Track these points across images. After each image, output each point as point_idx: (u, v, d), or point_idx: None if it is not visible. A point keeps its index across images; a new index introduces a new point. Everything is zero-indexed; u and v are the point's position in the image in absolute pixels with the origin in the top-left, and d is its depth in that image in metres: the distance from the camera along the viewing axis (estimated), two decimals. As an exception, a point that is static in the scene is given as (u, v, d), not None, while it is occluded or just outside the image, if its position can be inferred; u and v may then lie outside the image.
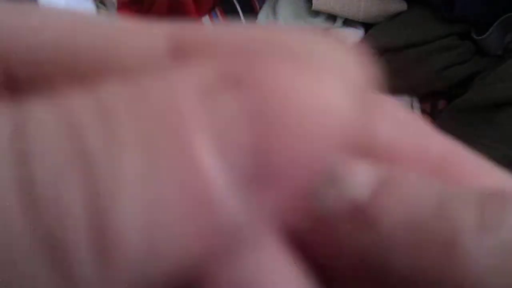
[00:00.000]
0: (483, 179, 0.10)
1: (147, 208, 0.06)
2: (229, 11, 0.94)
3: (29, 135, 0.06)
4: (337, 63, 0.08)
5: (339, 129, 0.07)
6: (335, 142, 0.07)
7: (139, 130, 0.06)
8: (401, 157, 0.10)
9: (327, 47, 0.08)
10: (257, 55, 0.07)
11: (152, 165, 0.06)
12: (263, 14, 0.94)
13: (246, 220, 0.07)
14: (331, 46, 0.08)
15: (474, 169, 0.10)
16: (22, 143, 0.06)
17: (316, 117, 0.07)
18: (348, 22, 0.92)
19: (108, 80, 0.07)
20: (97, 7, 0.97)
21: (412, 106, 0.88)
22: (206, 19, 0.94)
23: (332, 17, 0.90)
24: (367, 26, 0.93)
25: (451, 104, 0.76)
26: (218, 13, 0.95)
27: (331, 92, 0.07)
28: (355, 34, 0.91)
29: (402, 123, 0.10)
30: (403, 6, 0.91)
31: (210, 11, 0.95)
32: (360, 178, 0.09)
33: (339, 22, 0.91)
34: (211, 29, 0.09)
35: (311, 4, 0.87)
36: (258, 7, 0.95)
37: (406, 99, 0.87)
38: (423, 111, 0.87)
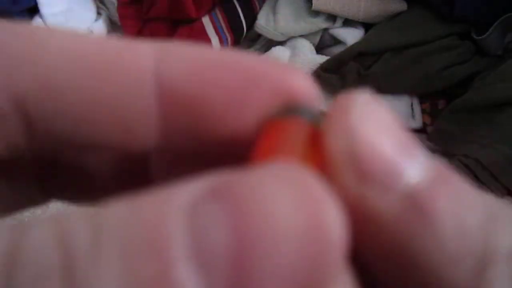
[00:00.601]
0: None
1: None
2: (229, 11, 0.94)
3: (23, 255, 0.07)
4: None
5: (326, 248, 0.07)
6: (321, 261, 0.07)
7: (124, 247, 0.07)
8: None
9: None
10: (243, 168, 0.08)
11: (131, 280, 0.06)
12: (263, 14, 0.94)
13: None
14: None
15: None
16: (14, 261, 0.07)
17: (296, 242, 0.07)
18: (348, 22, 0.92)
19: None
20: (97, 7, 0.97)
21: (412, 106, 0.88)
22: (206, 19, 0.94)
23: (332, 17, 0.90)
24: (367, 26, 0.93)
25: (451, 104, 0.76)
26: (218, 13, 0.95)
27: (318, 213, 0.07)
28: (355, 34, 0.91)
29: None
30: (403, 6, 0.91)
31: (210, 11, 0.95)
32: (419, 167, 0.09)
33: (339, 22, 0.91)
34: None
35: (311, 4, 0.87)
36: (258, 7, 0.95)
37: (406, 99, 0.87)
38: (423, 111, 0.87)
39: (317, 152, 0.09)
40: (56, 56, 0.08)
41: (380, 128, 0.09)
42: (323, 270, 0.07)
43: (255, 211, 0.07)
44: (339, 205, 0.07)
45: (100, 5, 0.97)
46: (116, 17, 0.94)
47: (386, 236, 0.09)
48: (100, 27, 0.94)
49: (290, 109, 0.09)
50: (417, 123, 0.86)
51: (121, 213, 0.07)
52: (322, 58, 0.88)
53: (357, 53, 0.85)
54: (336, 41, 0.93)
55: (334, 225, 0.07)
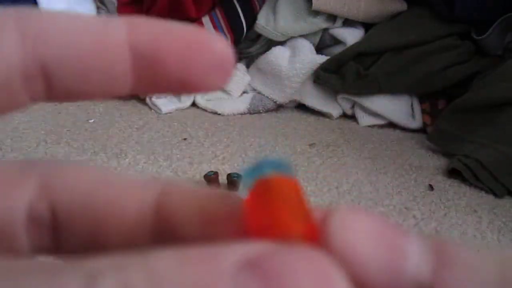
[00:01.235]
0: None
1: None
2: (229, 11, 0.94)
3: None
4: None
5: None
6: None
7: None
8: None
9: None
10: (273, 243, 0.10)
11: None
12: (263, 14, 0.94)
13: None
14: None
15: None
16: None
17: None
18: (348, 22, 0.92)
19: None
20: (97, 7, 0.97)
21: (412, 106, 0.88)
22: (206, 19, 0.94)
23: (332, 17, 0.90)
24: (367, 26, 0.93)
25: (451, 104, 0.76)
26: (218, 13, 0.95)
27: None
28: (355, 34, 0.91)
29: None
30: (403, 6, 0.91)
31: (210, 11, 0.95)
32: (418, 254, 0.10)
33: (339, 22, 0.91)
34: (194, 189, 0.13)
35: (311, 4, 0.87)
36: (258, 7, 0.95)
37: (406, 99, 0.87)
38: (423, 111, 0.87)
39: (306, 206, 0.11)
40: (64, 33, 0.12)
41: (368, 238, 0.10)
42: None
43: (284, 283, 0.09)
44: (348, 284, 0.09)
45: (100, 5, 0.97)
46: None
47: None
48: (100, 27, 0.94)
49: (256, 167, 0.11)
50: (417, 123, 0.86)
51: (172, 267, 0.09)
52: (322, 58, 0.88)
53: (357, 53, 0.85)
54: (336, 41, 0.93)
55: None
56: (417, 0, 0.89)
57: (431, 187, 0.60)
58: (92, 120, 0.78)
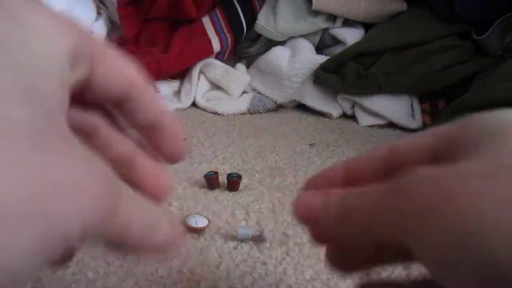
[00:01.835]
0: None
1: None
2: (229, 11, 0.94)
3: None
4: None
5: None
6: None
7: None
8: None
9: None
10: None
11: None
12: (263, 14, 0.94)
13: None
14: None
15: None
16: None
17: None
18: (348, 22, 0.92)
19: None
20: (97, 7, 0.97)
21: (412, 106, 0.88)
22: (206, 19, 0.94)
23: (332, 17, 0.90)
24: (367, 26, 0.93)
25: (451, 104, 0.75)
26: (218, 13, 0.95)
27: None
28: (355, 34, 0.91)
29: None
30: (403, 6, 0.91)
31: (210, 11, 0.95)
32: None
33: (339, 22, 0.91)
34: None
35: (311, 4, 0.87)
36: (258, 7, 0.95)
37: (406, 99, 0.87)
38: (423, 111, 0.87)
39: None
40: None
41: None
42: None
43: None
44: None
45: (100, 5, 0.97)
46: (116, 17, 0.94)
47: None
48: (100, 27, 0.94)
49: None
50: (417, 123, 0.86)
51: None
52: (322, 58, 0.89)
53: (357, 53, 0.85)
54: (336, 41, 0.93)
55: None
56: (417, 0, 0.89)
57: (431, 187, 0.60)
58: (92, 120, 0.78)
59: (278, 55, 0.90)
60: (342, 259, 0.24)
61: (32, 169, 0.13)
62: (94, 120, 0.22)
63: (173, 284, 0.35)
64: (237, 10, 0.94)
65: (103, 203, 0.16)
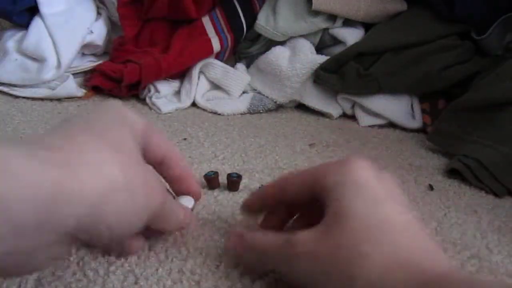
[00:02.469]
0: None
1: None
2: (229, 11, 0.94)
3: None
4: None
5: None
6: None
7: None
8: None
9: None
10: None
11: None
12: (263, 14, 0.94)
13: None
14: None
15: None
16: None
17: None
18: (348, 22, 0.92)
19: None
20: (97, 7, 0.97)
21: (412, 106, 0.88)
22: (206, 19, 0.94)
23: (332, 17, 0.90)
24: (367, 26, 0.93)
25: (451, 104, 0.75)
26: (218, 13, 0.95)
27: None
28: (355, 34, 0.91)
29: None
30: (403, 6, 0.91)
31: (210, 11, 0.95)
32: None
33: (339, 22, 0.91)
34: None
35: (311, 4, 0.87)
36: (258, 7, 0.95)
37: (406, 99, 0.87)
38: (423, 111, 0.87)
39: None
40: None
41: None
42: None
43: None
44: None
45: (100, 5, 0.97)
46: (116, 17, 0.94)
47: None
48: (100, 27, 0.94)
49: None
50: (417, 123, 0.86)
51: None
52: (322, 58, 0.89)
53: (357, 53, 0.85)
54: (336, 41, 0.93)
55: None
56: (417, 0, 0.89)
57: (431, 187, 0.60)
58: (92, 120, 0.78)
59: (278, 55, 0.90)
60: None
61: (143, 174, 0.31)
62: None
63: (173, 284, 0.35)
64: (237, 10, 0.94)
65: (163, 195, 0.33)
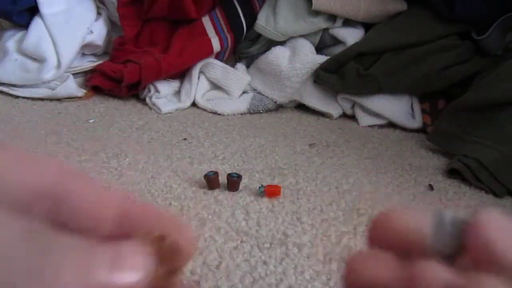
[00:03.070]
0: None
1: None
2: (229, 11, 0.94)
3: None
4: None
5: None
6: None
7: None
8: None
9: None
10: None
11: None
12: (263, 14, 0.94)
13: None
14: None
15: None
16: None
17: None
18: (348, 22, 0.92)
19: None
20: (97, 7, 0.97)
21: (412, 106, 0.88)
22: (206, 19, 0.94)
23: (332, 17, 0.90)
24: (367, 26, 0.93)
25: (451, 104, 0.76)
26: (218, 13, 0.95)
27: None
28: (355, 34, 0.91)
29: None
30: (403, 6, 0.91)
31: (210, 11, 0.95)
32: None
33: (339, 22, 0.91)
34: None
35: (311, 4, 0.87)
36: (258, 7, 0.95)
37: (406, 99, 0.87)
38: (423, 111, 0.87)
39: None
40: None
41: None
42: None
43: None
44: None
45: (100, 5, 0.97)
46: (116, 17, 0.94)
47: None
48: (100, 27, 0.94)
49: None
50: (417, 123, 0.86)
51: None
52: (322, 58, 0.88)
53: (357, 53, 0.85)
54: (336, 41, 0.93)
55: None
56: (417, 0, 0.89)
57: (431, 187, 0.60)
58: (92, 120, 0.78)
59: (278, 55, 0.90)
60: None
61: None
62: None
63: (173, 284, 0.35)
64: (237, 10, 0.94)
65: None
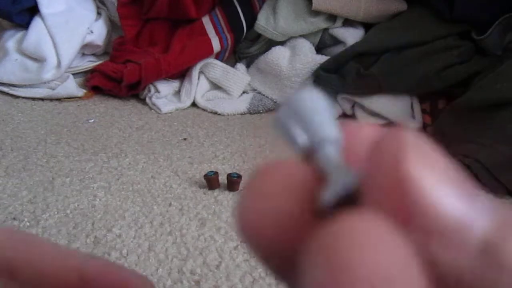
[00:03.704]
0: None
1: None
2: (229, 11, 0.94)
3: None
4: None
5: None
6: None
7: None
8: None
9: None
10: None
11: None
12: (263, 14, 0.94)
13: None
14: None
15: None
16: None
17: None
18: (348, 22, 0.92)
19: None
20: (97, 7, 0.97)
21: (412, 106, 0.88)
22: (206, 19, 0.94)
23: (332, 17, 0.90)
24: (367, 26, 0.93)
25: (451, 104, 0.76)
26: (218, 13, 0.95)
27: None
28: (355, 34, 0.91)
29: None
30: (403, 6, 0.91)
31: (210, 11, 0.95)
32: (485, 215, 0.09)
33: (339, 22, 0.91)
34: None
35: (311, 4, 0.87)
36: (258, 7, 0.95)
37: (406, 99, 0.87)
38: (423, 111, 0.87)
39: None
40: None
41: (438, 178, 0.09)
42: None
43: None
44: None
45: (100, 5, 0.97)
46: (116, 17, 0.94)
47: None
48: (100, 27, 0.94)
49: None
50: (417, 123, 0.86)
51: None
52: (322, 58, 0.88)
53: (357, 53, 0.85)
54: (336, 41, 0.93)
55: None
56: (417, 0, 0.89)
57: (431, 187, 0.60)
58: (92, 120, 0.78)
59: (278, 55, 0.90)
60: None
61: None
62: None
63: (173, 284, 0.35)
64: (237, 10, 0.94)
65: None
